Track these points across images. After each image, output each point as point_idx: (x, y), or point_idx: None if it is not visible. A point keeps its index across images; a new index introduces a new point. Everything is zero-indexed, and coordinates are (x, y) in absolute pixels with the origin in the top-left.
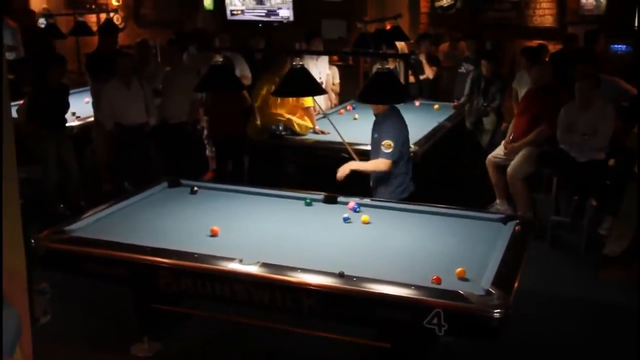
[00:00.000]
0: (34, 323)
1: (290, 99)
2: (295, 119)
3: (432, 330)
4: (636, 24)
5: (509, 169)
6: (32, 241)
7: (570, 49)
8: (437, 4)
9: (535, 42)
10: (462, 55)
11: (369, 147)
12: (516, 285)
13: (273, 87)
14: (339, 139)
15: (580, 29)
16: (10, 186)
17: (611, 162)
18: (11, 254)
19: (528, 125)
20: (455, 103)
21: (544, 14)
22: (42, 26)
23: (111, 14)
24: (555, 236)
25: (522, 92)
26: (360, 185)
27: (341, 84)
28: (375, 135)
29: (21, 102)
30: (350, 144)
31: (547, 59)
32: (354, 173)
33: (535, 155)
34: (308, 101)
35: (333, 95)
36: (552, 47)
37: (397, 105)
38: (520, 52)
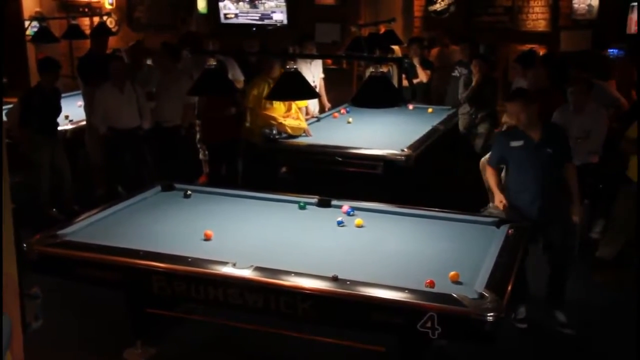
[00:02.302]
0: (25, 328)
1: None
2: (287, 122)
3: (426, 334)
4: (634, 27)
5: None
6: (24, 246)
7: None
8: (431, 8)
9: (528, 47)
10: (453, 59)
11: (362, 151)
12: (509, 288)
13: (265, 88)
14: (331, 143)
15: (573, 33)
16: (2, 191)
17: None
18: (3, 259)
19: None
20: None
21: (537, 18)
22: (35, 30)
23: (104, 17)
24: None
25: None
26: (353, 188)
27: (335, 87)
28: (549, 150)
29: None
30: (345, 148)
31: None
32: (348, 175)
33: None
34: (301, 103)
35: (326, 99)
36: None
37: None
38: (514, 61)
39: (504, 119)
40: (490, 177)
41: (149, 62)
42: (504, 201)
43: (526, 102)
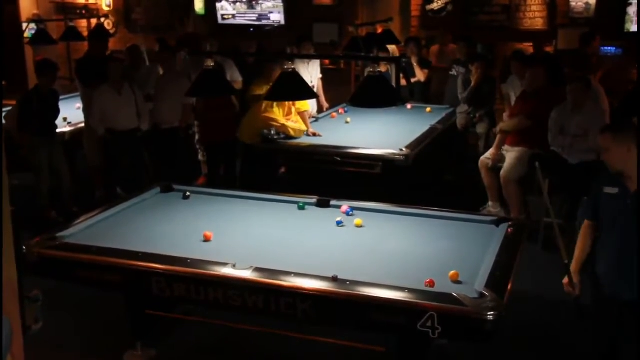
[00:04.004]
0: (25, 331)
1: (287, 103)
2: (289, 124)
3: (426, 333)
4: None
5: (502, 172)
6: (24, 248)
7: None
8: (428, 7)
9: (525, 45)
10: (453, 57)
11: (361, 151)
12: (509, 287)
13: (265, 90)
14: (330, 143)
15: (571, 31)
16: (1, 193)
17: None
18: (2, 262)
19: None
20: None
21: (535, 16)
22: (32, 32)
23: (102, 19)
24: (548, 238)
25: (513, 96)
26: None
27: (333, 87)
28: None
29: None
30: (343, 148)
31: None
32: (346, 175)
33: (528, 157)
34: (304, 105)
35: (324, 99)
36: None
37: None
38: (511, 57)
39: (501, 125)
40: (581, 234)
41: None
42: (575, 279)
43: (617, 136)
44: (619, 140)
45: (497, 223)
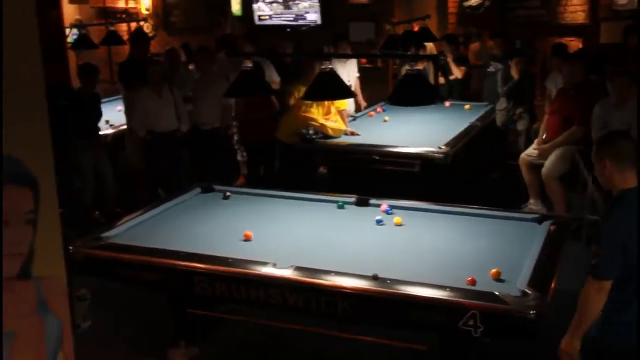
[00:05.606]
0: (75, 329)
1: (327, 102)
2: (328, 124)
3: (468, 332)
4: None
5: (544, 169)
6: (70, 248)
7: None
8: (466, 3)
9: (567, 40)
10: (491, 54)
11: (399, 150)
12: (552, 285)
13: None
14: (368, 141)
15: (614, 24)
16: (49, 196)
17: None
18: (51, 261)
19: (560, 125)
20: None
21: (576, 10)
22: (75, 37)
23: (141, 23)
24: (592, 235)
25: (554, 92)
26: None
27: (370, 86)
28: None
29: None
30: (381, 146)
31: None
32: (385, 174)
33: (571, 153)
34: (343, 104)
35: (362, 98)
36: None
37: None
38: (551, 52)
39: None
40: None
41: (190, 66)
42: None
43: (596, 148)
44: (597, 154)
45: (539, 220)
